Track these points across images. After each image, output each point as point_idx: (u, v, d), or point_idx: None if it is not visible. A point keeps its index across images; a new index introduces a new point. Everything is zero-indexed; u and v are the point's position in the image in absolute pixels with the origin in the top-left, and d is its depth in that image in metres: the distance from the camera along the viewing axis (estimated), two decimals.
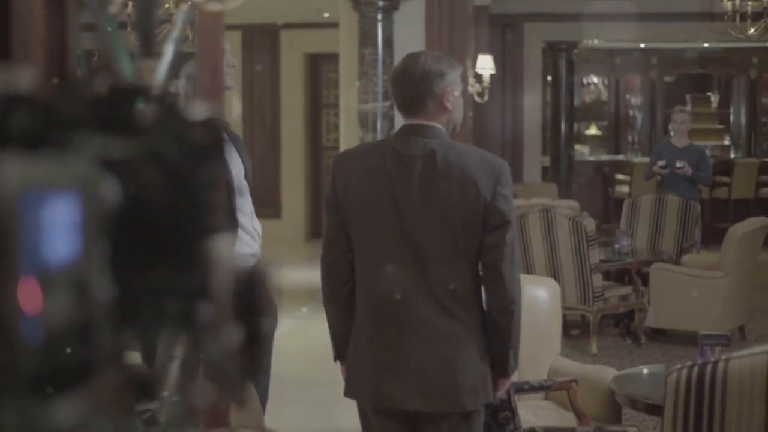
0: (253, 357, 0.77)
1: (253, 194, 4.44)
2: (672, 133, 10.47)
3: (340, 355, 3.49)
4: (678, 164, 9.56)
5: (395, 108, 3.45)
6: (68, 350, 0.65)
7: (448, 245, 3.25)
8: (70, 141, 0.68)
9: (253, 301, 0.75)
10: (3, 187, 0.61)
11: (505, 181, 3.27)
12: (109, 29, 1.02)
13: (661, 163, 9.69)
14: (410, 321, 3.27)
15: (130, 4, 4.43)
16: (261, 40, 14.48)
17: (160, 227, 0.72)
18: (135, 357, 0.76)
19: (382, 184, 3.29)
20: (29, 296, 0.62)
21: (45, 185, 0.64)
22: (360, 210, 3.32)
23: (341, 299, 3.41)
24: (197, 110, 0.74)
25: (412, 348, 3.28)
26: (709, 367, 3.54)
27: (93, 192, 0.67)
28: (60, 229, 0.64)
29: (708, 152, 12.45)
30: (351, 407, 3.51)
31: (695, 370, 3.56)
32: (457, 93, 3.35)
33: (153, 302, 0.73)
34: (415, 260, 3.26)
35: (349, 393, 3.44)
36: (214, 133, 0.74)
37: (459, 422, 3.31)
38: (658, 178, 10.08)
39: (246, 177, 4.38)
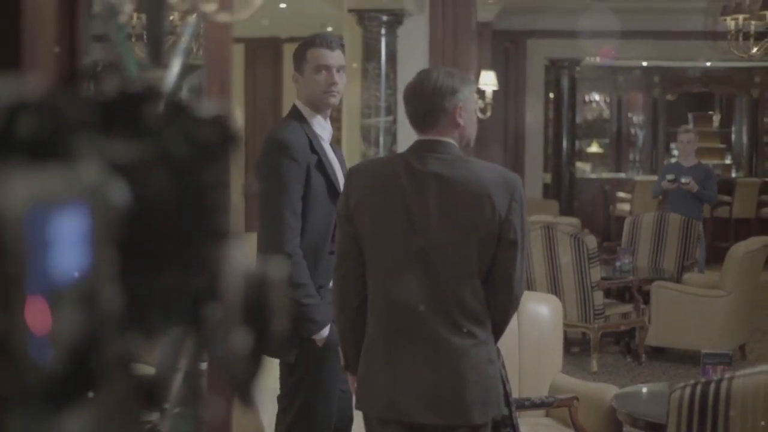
0: (260, 360, 0.76)
1: None
2: (677, 153, 10.44)
3: (349, 366, 3.47)
4: (683, 179, 9.55)
5: (408, 123, 3.42)
6: (76, 363, 0.64)
7: (461, 261, 3.24)
8: (78, 147, 0.67)
9: (261, 304, 0.74)
10: (9, 206, 0.60)
11: (519, 195, 3.27)
12: (119, 37, 1.02)
13: (669, 176, 9.69)
14: (420, 335, 3.26)
15: (136, 16, 4.44)
16: (264, 54, 14.48)
17: (167, 228, 0.71)
18: (141, 367, 0.75)
19: (396, 199, 3.27)
20: (37, 316, 0.61)
21: (52, 199, 0.62)
22: (373, 224, 3.31)
23: (352, 311, 3.39)
24: (205, 109, 0.73)
25: (422, 361, 3.27)
26: (712, 386, 3.53)
27: (102, 200, 0.66)
28: (68, 243, 0.63)
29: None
30: (354, 415, 3.48)
31: (699, 388, 3.55)
32: (470, 109, 3.35)
33: (160, 304, 0.71)
34: (428, 275, 3.25)
35: (359, 405, 3.43)
36: (222, 131, 0.73)
37: None
38: (660, 197, 10.07)
39: None
